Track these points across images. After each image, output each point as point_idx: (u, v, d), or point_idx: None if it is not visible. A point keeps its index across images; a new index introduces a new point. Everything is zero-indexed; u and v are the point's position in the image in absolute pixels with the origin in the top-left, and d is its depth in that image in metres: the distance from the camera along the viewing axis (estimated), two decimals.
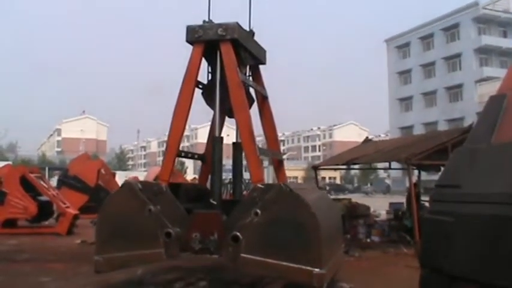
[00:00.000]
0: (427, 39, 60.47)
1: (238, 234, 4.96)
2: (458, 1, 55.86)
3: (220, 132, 6.25)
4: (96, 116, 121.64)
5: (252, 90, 6.77)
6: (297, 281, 5.00)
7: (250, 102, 6.47)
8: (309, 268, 4.66)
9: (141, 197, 5.36)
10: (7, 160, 56.52)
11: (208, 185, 6.57)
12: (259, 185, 5.17)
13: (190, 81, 5.98)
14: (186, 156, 7.11)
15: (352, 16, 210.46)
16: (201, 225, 5.22)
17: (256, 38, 6.74)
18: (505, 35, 57.13)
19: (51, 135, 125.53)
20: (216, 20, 6.21)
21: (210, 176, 6.24)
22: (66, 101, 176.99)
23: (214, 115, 6.37)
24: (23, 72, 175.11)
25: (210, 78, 6.39)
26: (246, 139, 5.71)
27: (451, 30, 57.46)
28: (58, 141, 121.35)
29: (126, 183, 5.80)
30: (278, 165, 6.93)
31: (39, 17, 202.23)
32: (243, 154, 6.22)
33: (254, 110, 6.77)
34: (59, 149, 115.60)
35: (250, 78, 6.80)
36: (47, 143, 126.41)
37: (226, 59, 5.83)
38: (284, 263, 4.75)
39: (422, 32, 60.79)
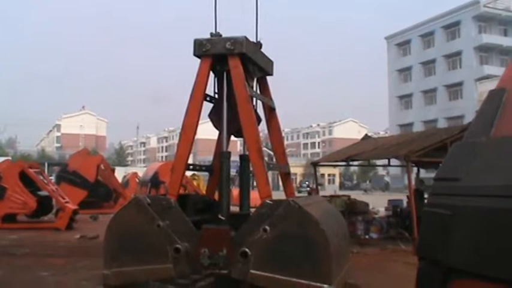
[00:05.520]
0: (427, 37, 60.39)
1: (247, 250, 4.98)
2: None
3: (227, 147, 6.26)
4: (95, 112, 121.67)
5: (259, 103, 6.69)
6: None
7: (258, 120, 6.44)
8: (318, 284, 4.67)
9: (149, 212, 5.34)
10: (6, 155, 56.59)
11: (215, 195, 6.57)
12: (268, 201, 5.17)
13: (198, 95, 5.91)
14: (194, 169, 7.14)
15: (353, 13, 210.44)
16: (210, 240, 5.24)
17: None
18: (505, 33, 57.08)
19: (51, 130, 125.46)
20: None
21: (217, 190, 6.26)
22: (66, 96, 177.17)
23: (220, 133, 6.32)
24: (23, 67, 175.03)
25: (217, 97, 6.33)
26: (255, 155, 5.68)
27: (452, 28, 57.39)
28: (57, 136, 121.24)
29: (135, 198, 5.76)
30: (285, 178, 6.90)
31: (42, 13, 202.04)
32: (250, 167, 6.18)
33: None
34: (59, 145, 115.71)
35: (258, 91, 6.73)
36: (47, 138, 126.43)
37: (235, 74, 5.76)
38: (294, 279, 4.75)
39: (422, 30, 60.70)
